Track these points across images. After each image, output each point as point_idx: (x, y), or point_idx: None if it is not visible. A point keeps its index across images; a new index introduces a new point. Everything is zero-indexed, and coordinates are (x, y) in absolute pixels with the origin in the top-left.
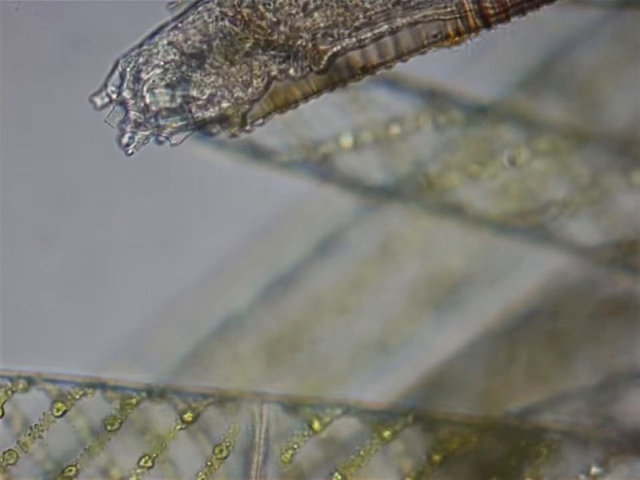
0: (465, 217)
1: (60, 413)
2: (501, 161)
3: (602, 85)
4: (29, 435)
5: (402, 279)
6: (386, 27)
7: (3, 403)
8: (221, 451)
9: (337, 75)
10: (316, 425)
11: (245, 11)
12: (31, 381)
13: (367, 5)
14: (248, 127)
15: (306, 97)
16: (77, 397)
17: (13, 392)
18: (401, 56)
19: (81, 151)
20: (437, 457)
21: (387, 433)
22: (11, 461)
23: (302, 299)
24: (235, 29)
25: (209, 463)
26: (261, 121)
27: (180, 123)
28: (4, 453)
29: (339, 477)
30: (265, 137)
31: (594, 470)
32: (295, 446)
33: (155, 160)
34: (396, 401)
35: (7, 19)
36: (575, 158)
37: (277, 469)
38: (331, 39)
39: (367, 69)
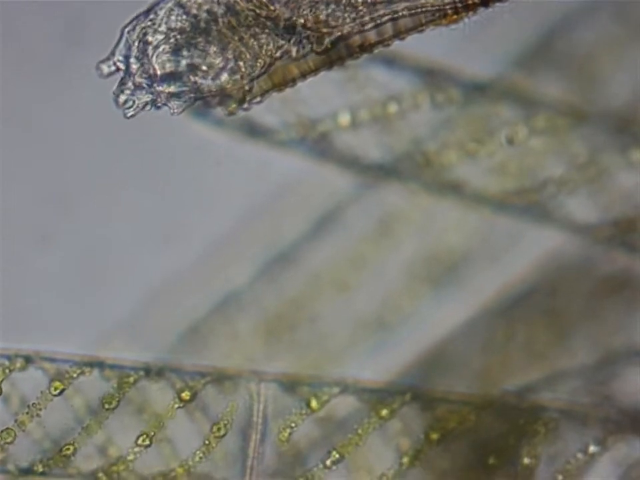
0: (463, 195)
1: (58, 391)
2: (499, 139)
3: (601, 63)
4: (27, 413)
5: (400, 257)
6: (387, 12)
7: (1, 382)
8: (219, 429)
9: (335, 54)
10: (314, 403)
11: None
12: (28, 360)
13: None
14: (246, 105)
15: (304, 75)
16: (75, 375)
17: (10, 370)
18: (398, 34)
19: (82, 151)
20: (434, 436)
21: (384, 412)
22: (8, 440)
23: (300, 277)
24: (240, 3)
25: (207, 442)
26: (258, 99)
27: (181, 89)
28: (1, 432)
29: (337, 456)
30: (263, 114)
31: (592, 448)
32: (293, 424)
33: (151, 138)
34: (394, 379)
35: (7, 18)
36: (573, 136)
37: (274, 447)
38: (334, 22)
39: (365, 48)
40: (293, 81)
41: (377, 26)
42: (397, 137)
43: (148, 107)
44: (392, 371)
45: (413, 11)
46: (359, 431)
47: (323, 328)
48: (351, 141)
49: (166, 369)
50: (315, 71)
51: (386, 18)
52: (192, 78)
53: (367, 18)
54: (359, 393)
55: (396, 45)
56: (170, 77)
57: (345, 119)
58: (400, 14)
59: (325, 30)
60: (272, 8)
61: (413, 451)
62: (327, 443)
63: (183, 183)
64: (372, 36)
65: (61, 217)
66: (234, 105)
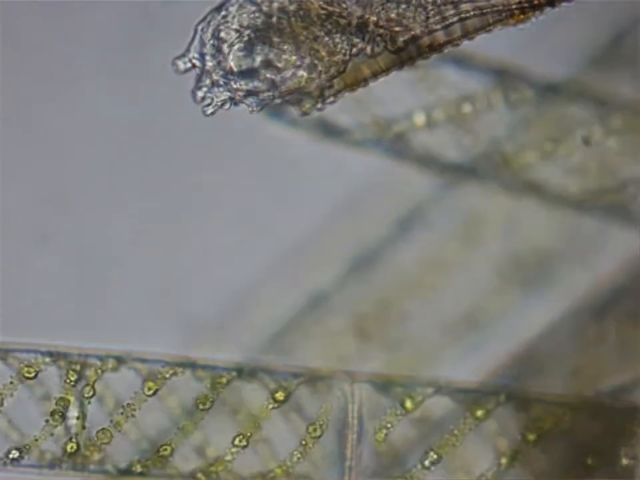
0: (544, 195)
1: (151, 392)
2: (576, 139)
3: None
4: (122, 414)
5: (486, 257)
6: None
7: (94, 382)
8: (315, 430)
9: (405, 54)
10: (408, 404)
11: None
12: (120, 360)
13: None
14: (320, 105)
15: (375, 75)
16: (167, 376)
17: (103, 371)
18: (467, 34)
19: (82, 151)
20: (531, 437)
21: (480, 412)
22: (105, 440)
23: (389, 277)
24: (312, 1)
25: (304, 442)
26: (332, 99)
27: (257, 86)
28: (98, 432)
29: (435, 456)
30: (337, 114)
31: None
32: (389, 425)
33: (228, 138)
34: (486, 379)
35: (6, 18)
36: None
37: (371, 448)
38: (405, 21)
39: (434, 47)
40: (365, 81)
41: (446, 26)
42: (473, 137)
43: (227, 105)
44: (484, 372)
45: (481, 11)
46: (455, 432)
47: (413, 328)
48: (428, 141)
49: (258, 369)
50: (385, 71)
51: (455, 18)
52: (268, 75)
53: (437, 18)
54: (452, 394)
55: (465, 44)
56: (246, 74)
57: (420, 119)
58: (469, 14)
59: (397, 29)
60: (344, 6)
61: (511, 451)
62: (424, 444)
63: (261, 182)
64: (441, 36)
65: (61, 217)
66: (308, 105)
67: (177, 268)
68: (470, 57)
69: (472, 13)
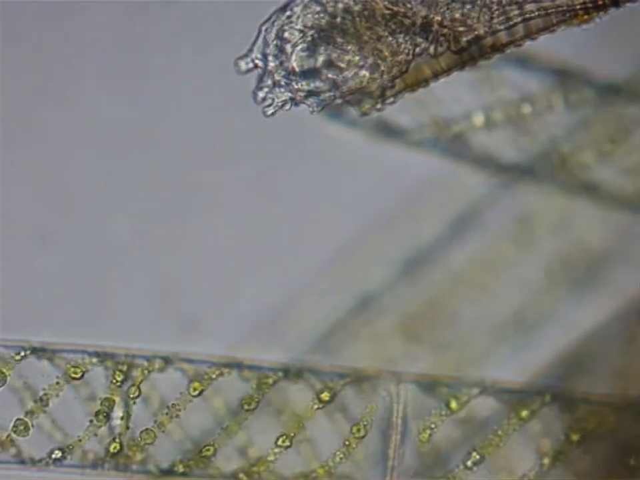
0: (600, 196)
1: (197, 392)
2: (635, 139)
3: None
4: (167, 414)
5: (539, 257)
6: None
7: (140, 382)
8: (359, 430)
9: (467, 54)
10: (453, 404)
11: None
12: (167, 361)
13: None
14: (379, 105)
15: (436, 76)
16: (214, 376)
17: (149, 371)
18: (530, 34)
19: (82, 151)
20: (575, 437)
21: (524, 413)
22: (148, 440)
23: (439, 277)
24: (377, 1)
25: (347, 443)
26: (392, 99)
27: (319, 86)
28: (141, 432)
29: (477, 457)
30: (397, 115)
31: None
32: (433, 425)
33: (286, 135)
34: (533, 380)
35: (6, 19)
36: None
37: (414, 448)
38: (469, 21)
39: (497, 48)
40: (426, 82)
41: (510, 27)
42: (532, 137)
43: (287, 106)
44: (531, 372)
45: (545, 11)
46: (499, 432)
47: (463, 328)
48: (486, 141)
49: (304, 370)
50: (447, 71)
51: (519, 19)
52: (330, 75)
53: (501, 18)
54: (498, 394)
55: (528, 44)
56: (308, 74)
57: (478, 119)
58: (534, 14)
59: (461, 29)
60: (409, 6)
61: (553, 452)
62: (467, 444)
63: (319, 182)
64: (503, 36)
65: (61, 217)
66: (368, 106)
67: (91, 267)
68: (532, 57)
69: (536, 14)
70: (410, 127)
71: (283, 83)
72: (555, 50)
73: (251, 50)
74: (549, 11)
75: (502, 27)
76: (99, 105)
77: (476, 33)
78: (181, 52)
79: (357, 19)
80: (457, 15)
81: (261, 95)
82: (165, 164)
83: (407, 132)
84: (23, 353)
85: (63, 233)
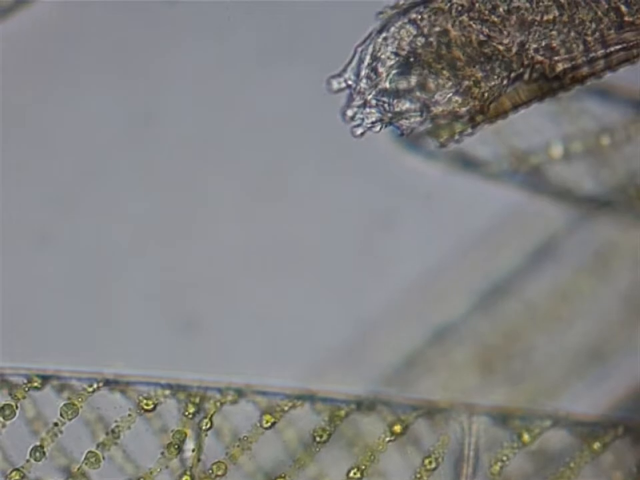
0: None
1: (269, 424)
2: None
3: None
4: (238, 446)
5: (616, 289)
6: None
7: (212, 415)
8: (430, 462)
9: (547, 85)
10: (525, 436)
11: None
12: (240, 393)
13: (593, 26)
14: (457, 137)
15: (515, 107)
16: (286, 408)
17: (222, 404)
18: (610, 66)
19: (83, 151)
20: None
21: (596, 445)
22: (219, 473)
23: (516, 308)
24: (473, 25)
25: (418, 475)
26: (470, 130)
27: (410, 108)
28: (213, 465)
29: None
30: (475, 146)
31: None
32: (504, 458)
33: (364, 165)
34: (606, 412)
35: (6, 18)
36: None
37: None
38: (564, 51)
39: (577, 79)
40: (505, 113)
41: (606, 55)
42: (610, 169)
43: (377, 127)
44: (604, 405)
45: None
46: (571, 465)
47: (538, 360)
48: (564, 172)
49: (377, 402)
50: (526, 103)
51: (618, 46)
52: (421, 97)
53: (599, 53)
54: (570, 426)
55: (608, 76)
56: (399, 96)
57: (557, 150)
58: (630, 44)
59: (557, 58)
60: (505, 33)
61: None
62: (538, 477)
63: (398, 214)
64: (584, 67)
65: (61, 217)
66: (446, 137)
67: (92, 268)
68: (612, 88)
69: (619, 47)
70: (488, 159)
71: (373, 103)
72: (635, 81)
73: (345, 70)
74: (631, 43)
75: (599, 54)
76: (99, 104)
77: (573, 62)
78: (181, 52)
79: (453, 42)
80: (554, 44)
81: (349, 113)
82: (165, 164)
83: (485, 164)
84: (95, 385)
85: (63, 232)
